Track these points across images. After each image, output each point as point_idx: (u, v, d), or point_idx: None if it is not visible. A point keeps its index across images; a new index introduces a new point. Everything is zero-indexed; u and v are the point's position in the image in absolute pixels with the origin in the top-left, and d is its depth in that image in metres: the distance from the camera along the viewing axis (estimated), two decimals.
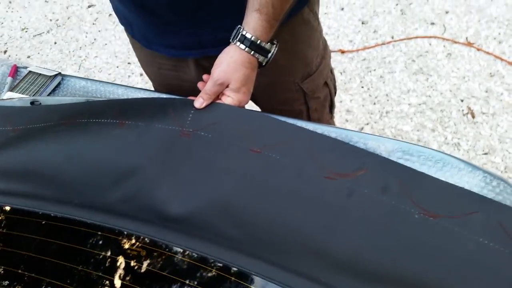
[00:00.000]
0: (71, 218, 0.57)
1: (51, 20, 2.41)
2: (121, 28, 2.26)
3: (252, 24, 0.62)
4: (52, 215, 0.58)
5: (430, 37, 1.86)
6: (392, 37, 1.91)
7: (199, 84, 0.67)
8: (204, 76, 0.67)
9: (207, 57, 0.76)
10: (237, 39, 0.62)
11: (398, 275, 0.50)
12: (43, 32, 2.34)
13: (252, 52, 0.63)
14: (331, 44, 1.91)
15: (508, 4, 1.89)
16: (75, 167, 0.63)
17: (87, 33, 2.29)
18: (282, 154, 0.59)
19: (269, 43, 0.64)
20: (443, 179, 0.56)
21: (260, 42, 0.63)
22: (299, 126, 0.62)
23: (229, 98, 0.64)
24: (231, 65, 0.63)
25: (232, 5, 0.67)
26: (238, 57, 0.63)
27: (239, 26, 0.63)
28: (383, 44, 1.89)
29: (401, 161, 0.59)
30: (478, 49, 1.77)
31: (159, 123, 0.64)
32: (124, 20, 0.84)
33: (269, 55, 0.65)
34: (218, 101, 0.64)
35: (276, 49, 0.66)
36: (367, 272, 0.50)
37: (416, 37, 1.87)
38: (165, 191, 0.59)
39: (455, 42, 1.82)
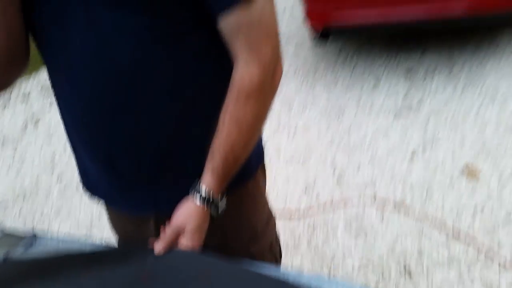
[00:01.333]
0: None
1: (18, 191, 2.56)
2: (87, 198, 2.43)
3: (206, 183, 0.79)
4: None
5: (364, 202, 2.13)
6: (332, 201, 2.17)
7: (161, 230, 0.79)
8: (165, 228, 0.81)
9: (164, 216, 0.87)
10: (194, 194, 0.79)
11: None
12: (8, 203, 2.46)
13: (205, 206, 0.78)
14: (280, 209, 2.14)
15: (424, 172, 2.25)
16: None
17: (52, 203, 2.42)
18: None
19: (219, 198, 0.80)
20: None
21: (212, 197, 0.79)
22: (243, 268, 0.74)
23: (183, 244, 0.76)
24: (187, 214, 0.77)
25: (186, 175, 0.84)
26: (193, 209, 0.78)
27: (196, 183, 0.80)
28: (324, 208, 2.14)
29: None
30: (406, 211, 2.04)
31: (121, 269, 0.74)
32: (88, 180, 0.98)
33: (219, 208, 0.81)
34: (175, 247, 0.76)
35: (225, 204, 0.82)
36: None
37: (352, 203, 2.14)
38: None
39: (385, 206, 2.09)
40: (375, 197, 2.15)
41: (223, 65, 0.82)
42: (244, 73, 0.77)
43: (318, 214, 2.12)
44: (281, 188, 2.33)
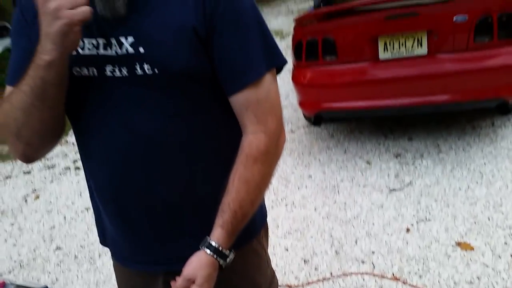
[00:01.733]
0: None
1: (15, 261, 2.53)
2: (84, 268, 2.42)
3: (217, 236, 0.86)
4: None
5: (362, 273, 2.15)
6: (331, 274, 2.19)
7: (172, 283, 0.85)
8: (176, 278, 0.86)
9: (173, 273, 0.92)
10: (205, 246, 0.86)
11: None
12: (4, 273, 2.42)
13: (215, 256, 0.85)
14: (280, 279, 2.13)
15: (420, 246, 2.30)
16: None
17: (49, 273, 2.39)
18: None
19: (228, 250, 0.87)
20: None
21: (222, 249, 0.86)
22: None
23: None
24: (198, 264, 0.84)
25: (196, 234, 0.91)
26: (204, 259, 0.84)
27: (207, 236, 0.87)
28: (324, 279, 2.14)
29: None
30: (404, 283, 2.06)
31: None
32: (105, 239, 1.05)
33: (228, 259, 0.87)
34: None
35: (233, 256, 0.88)
36: None
37: (351, 274, 2.16)
38: None
39: (384, 277, 2.11)
40: (373, 269, 2.18)
41: (232, 132, 0.94)
42: (252, 140, 0.90)
43: (318, 285, 2.12)
44: (280, 260, 2.35)
